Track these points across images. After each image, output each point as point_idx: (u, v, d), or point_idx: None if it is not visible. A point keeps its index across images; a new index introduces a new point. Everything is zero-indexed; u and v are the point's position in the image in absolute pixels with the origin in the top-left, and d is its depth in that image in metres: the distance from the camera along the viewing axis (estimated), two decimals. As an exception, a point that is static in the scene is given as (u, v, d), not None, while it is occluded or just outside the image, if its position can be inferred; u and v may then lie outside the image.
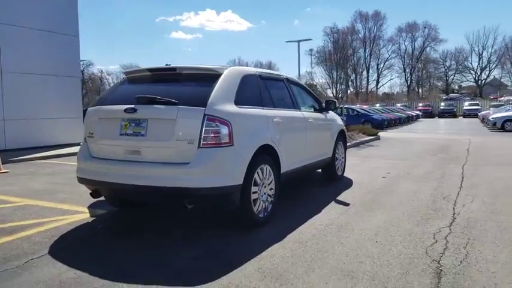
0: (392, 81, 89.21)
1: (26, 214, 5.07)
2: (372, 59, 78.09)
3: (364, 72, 78.87)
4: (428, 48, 78.90)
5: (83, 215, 4.99)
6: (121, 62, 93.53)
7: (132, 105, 4.12)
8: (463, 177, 7.36)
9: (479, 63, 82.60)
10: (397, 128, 26.88)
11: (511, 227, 4.39)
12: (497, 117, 21.82)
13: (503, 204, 5.35)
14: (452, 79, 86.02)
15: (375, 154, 11.36)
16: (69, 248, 3.92)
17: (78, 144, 14.35)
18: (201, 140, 3.88)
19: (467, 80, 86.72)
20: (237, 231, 4.29)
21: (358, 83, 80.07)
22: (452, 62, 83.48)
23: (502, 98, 61.81)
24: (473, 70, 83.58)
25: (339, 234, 4.23)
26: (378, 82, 79.92)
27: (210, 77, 4.31)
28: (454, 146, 13.45)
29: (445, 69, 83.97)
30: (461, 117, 46.04)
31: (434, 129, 25.01)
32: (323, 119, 6.49)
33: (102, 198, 4.94)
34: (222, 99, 4.11)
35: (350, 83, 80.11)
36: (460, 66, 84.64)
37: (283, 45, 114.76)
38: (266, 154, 4.49)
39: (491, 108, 37.39)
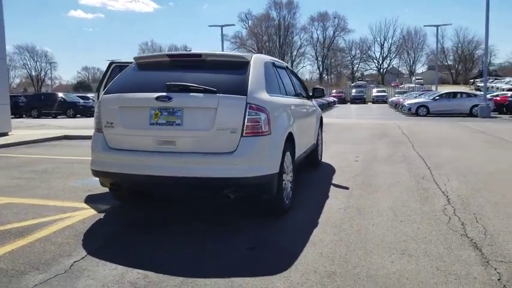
0: (304, 69, 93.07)
1: (18, 214, 4.54)
2: (286, 47, 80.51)
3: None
4: (338, 38, 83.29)
5: (88, 211, 4.61)
6: (14, 43, 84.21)
7: (164, 93, 3.89)
8: (423, 159, 8.07)
9: (381, 53, 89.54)
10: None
11: (500, 202, 4.98)
12: (412, 104, 24.02)
13: (477, 182, 6.01)
14: (357, 67, 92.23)
15: (328, 139, 11.88)
16: (107, 246, 3.63)
17: (5, 134, 12.99)
18: (244, 129, 3.82)
19: (371, 68, 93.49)
20: (270, 219, 4.31)
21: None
22: (357, 51, 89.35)
23: (403, 85, 67.84)
24: (376, 59, 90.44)
25: (362, 216, 4.45)
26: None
27: (238, 64, 4.22)
28: (388, 130, 14.56)
29: (351, 58, 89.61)
30: (371, 103, 49.72)
31: (357, 115, 26.77)
32: (312, 105, 6.69)
33: (92, 192, 4.62)
34: (258, 87, 4.07)
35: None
36: (364, 55, 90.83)
37: (197, 29, 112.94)
38: (288, 141, 4.55)
39: (397, 95, 40.88)
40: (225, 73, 4.17)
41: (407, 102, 24.78)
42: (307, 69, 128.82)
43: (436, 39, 45.87)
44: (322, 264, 3.22)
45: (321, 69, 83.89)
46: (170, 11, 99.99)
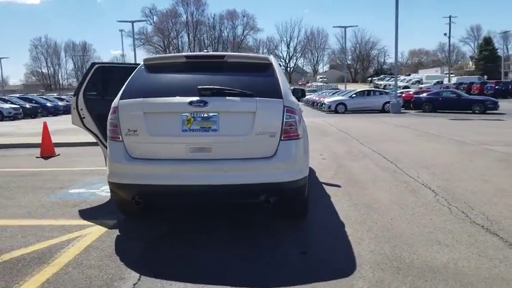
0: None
1: (14, 237, 4.00)
2: (195, 44, 79.77)
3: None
4: (248, 36, 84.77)
5: (98, 228, 4.22)
6: None
7: (198, 98, 3.71)
8: (380, 154, 8.66)
9: (287, 52, 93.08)
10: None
11: (476, 190, 5.57)
12: (331, 101, 25.46)
13: (443, 174, 6.63)
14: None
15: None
16: (153, 264, 3.37)
17: None
18: (283, 133, 3.79)
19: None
20: (296, 221, 4.35)
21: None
22: (265, 50, 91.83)
23: (310, 84, 71.24)
24: (283, 58, 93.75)
25: (376, 212, 4.68)
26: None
27: (261, 66, 4.17)
28: (322, 127, 15.30)
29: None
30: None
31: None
32: None
33: (80, 207, 4.25)
34: (287, 90, 4.07)
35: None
36: (271, 54, 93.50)
37: (95, 24, 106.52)
38: None
39: (309, 93, 42.73)
40: (251, 75, 4.08)
41: (327, 100, 26.25)
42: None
43: (344, 40, 49.19)
44: (382, 261, 3.36)
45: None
46: (59, 4, 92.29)
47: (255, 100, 3.76)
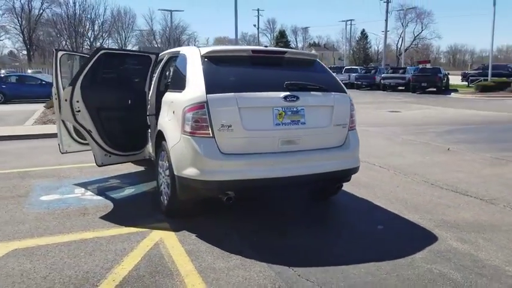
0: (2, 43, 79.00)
1: (94, 255, 3.36)
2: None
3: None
4: (48, 10, 75.00)
5: (158, 233, 3.85)
6: None
7: (288, 93, 3.83)
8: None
9: (93, 31, 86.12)
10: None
11: (407, 164, 7.01)
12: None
13: (393, 160, 7.96)
14: (67, 44, 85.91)
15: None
16: (266, 252, 3.42)
17: None
18: (349, 123, 4.23)
19: (83, 47, 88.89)
20: (338, 201, 4.85)
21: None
22: (66, 26, 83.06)
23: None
24: (88, 38, 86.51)
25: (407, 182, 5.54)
26: (-12, 43, 69.31)
27: (310, 62, 4.44)
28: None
29: (57, 34, 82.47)
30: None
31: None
32: None
33: (100, 212, 3.96)
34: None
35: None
36: (74, 32, 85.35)
37: None
38: None
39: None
40: (310, 71, 4.33)
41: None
42: (8, 44, 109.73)
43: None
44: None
45: (28, 44, 73.45)
46: None
47: (332, 94, 4.10)
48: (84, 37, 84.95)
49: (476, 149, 8.20)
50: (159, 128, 4.35)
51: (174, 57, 4.90)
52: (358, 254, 3.49)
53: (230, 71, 4.03)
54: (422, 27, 60.31)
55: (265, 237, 3.85)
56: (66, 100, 4.50)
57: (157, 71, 5.14)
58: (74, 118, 4.58)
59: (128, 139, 5.02)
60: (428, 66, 32.14)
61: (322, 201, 4.93)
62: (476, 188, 5.43)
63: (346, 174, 4.21)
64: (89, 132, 4.68)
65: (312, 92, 4.01)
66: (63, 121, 5.49)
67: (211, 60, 4.02)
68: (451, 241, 3.76)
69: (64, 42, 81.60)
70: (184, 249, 3.52)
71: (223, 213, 4.39)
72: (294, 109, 3.88)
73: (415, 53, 63.46)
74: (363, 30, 78.67)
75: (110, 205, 4.65)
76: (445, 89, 27.58)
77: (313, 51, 5.27)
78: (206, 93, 3.70)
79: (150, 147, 5.24)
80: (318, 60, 4.54)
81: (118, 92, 4.98)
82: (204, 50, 4.09)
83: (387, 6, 40.21)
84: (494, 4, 26.83)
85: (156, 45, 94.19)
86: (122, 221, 4.14)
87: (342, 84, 4.38)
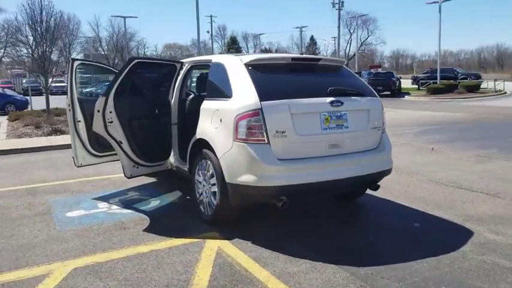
0: None
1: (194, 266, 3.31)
2: None
3: None
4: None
5: (213, 242, 3.86)
6: None
7: (333, 98, 4.00)
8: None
9: (34, 38, 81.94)
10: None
11: (405, 164, 7.41)
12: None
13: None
14: (4, 52, 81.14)
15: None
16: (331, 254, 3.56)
17: None
18: (382, 126, 4.46)
19: (23, 55, 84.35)
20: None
21: None
22: (2, 34, 78.53)
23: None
24: (29, 45, 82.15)
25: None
26: None
27: (338, 68, 4.62)
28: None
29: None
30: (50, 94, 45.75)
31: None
32: None
33: (138, 224, 3.99)
34: None
35: None
36: (12, 39, 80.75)
37: None
38: None
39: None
40: (342, 76, 4.53)
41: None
42: None
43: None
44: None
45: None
46: None
47: (368, 98, 4.32)
48: (25, 45, 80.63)
49: (456, 147, 8.80)
50: (200, 136, 4.33)
51: (202, 66, 4.90)
52: (411, 251, 3.69)
53: (275, 78, 4.14)
54: (368, 34, 62.95)
55: (315, 240, 3.98)
56: (98, 111, 4.38)
57: (179, 79, 5.12)
58: (105, 129, 4.46)
59: (155, 149, 4.95)
60: (380, 70, 33.69)
61: (347, 203, 5.12)
62: (477, 184, 5.86)
63: (382, 176, 4.43)
64: (119, 143, 4.57)
65: (352, 97, 4.20)
66: (76, 132, 5.32)
67: (256, 68, 4.10)
68: (486, 233, 4.07)
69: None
70: (249, 256, 3.57)
71: (262, 219, 4.47)
72: (339, 114, 4.05)
73: (362, 58, 66.11)
74: (312, 36, 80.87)
75: (144, 218, 4.56)
76: (398, 92, 29.04)
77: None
78: (260, 100, 3.77)
79: (172, 158, 5.20)
80: (344, 66, 4.74)
81: (146, 102, 4.92)
82: (247, 59, 4.18)
83: (339, 13, 41.72)
84: (440, 11, 28.68)
85: (102, 53, 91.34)
86: (168, 232, 4.10)
87: (372, 88, 4.61)
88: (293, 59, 4.34)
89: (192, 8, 28.01)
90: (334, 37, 45.51)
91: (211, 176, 4.17)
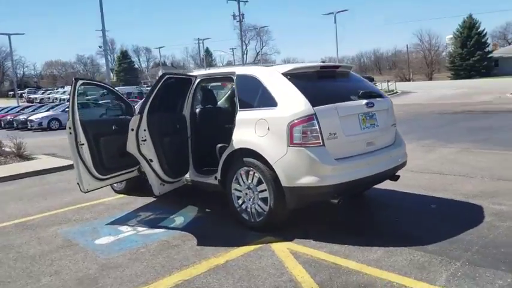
0: None
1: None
2: None
3: None
4: None
5: (278, 244, 3.98)
6: None
7: (367, 100, 4.40)
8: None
9: None
10: None
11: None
12: (43, 117, 22.77)
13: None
14: None
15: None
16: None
17: None
18: (395, 123, 4.98)
19: None
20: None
21: None
22: None
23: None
24: None
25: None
26: None
27: (348, 73, 5.05)
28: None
29: None
30: None
31: None
32: None
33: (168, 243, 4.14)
34: None
35: None
36: None
37: None
38: None
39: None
40: (356, 80, 4.97)
41: (37, 116, 23.02)
42: None
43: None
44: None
45: None
46: None
47: (385, 99, 4.84)
48: None
49: (409, 138, 9.72)
50: (241, 146, 4.37)
51: (219, 79, 4.95)
52: (450, 227, 4.20)
53: (314, 85, 4.41)
54: (262, 44, 65.92)
55: (362, 231, 4.32)
56: (132, 130, 4.18)
57: (192, 92, 5.09)
58: (138, 149, 4.26)
59: (179, 165, 4.84)
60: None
61: (358, 196, 5.54)
62: (445, 169, 6.75)
63: (402, 167, 4.93)
64: (149, 161, 4.40)
65: (377, 98, 4.65)
66: (80, 156, 4.96)
67: (294, 77, 4.33)
68: (491, 205, 4.79)
69: None
70: (324, 252, 3.77)
71: (300, 220, 4.67)
72: (371, 114, 4.47)
73: (258, 68, 69.35)
74: (207, 48, 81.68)
75: (184, 234, 4.45)
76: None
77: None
78: (313, 106, 4.00)
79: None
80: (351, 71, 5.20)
81: (170, 117, 4.80)
82: (284, 68, 4.41)
83: (240, 25, 43.19)
84: (335, 21, 31.38)
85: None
86: (224, 243, 4.10)
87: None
88: (321, 67, 4.66)
89: (75, 21, 26.44)
90: (232, 48, 46.82)
91: (258, 182, 4.26)
